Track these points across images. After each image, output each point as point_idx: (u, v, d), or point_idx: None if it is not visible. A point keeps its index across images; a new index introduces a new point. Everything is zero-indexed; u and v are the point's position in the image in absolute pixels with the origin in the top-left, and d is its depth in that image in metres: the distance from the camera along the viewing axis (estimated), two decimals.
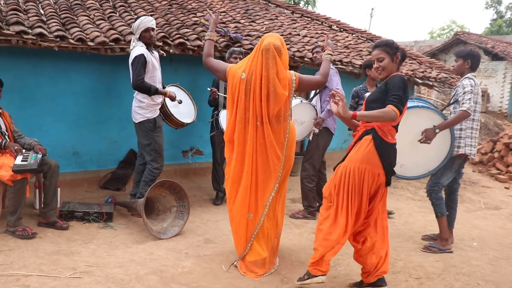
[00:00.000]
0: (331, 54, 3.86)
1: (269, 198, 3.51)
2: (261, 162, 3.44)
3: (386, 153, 3.15)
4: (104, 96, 5.57)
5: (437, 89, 9.34)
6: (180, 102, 4.92)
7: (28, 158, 4.03)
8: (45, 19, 4.93)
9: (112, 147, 5.74)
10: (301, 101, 4.83)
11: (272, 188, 3.50)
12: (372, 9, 49.80)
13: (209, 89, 5.22)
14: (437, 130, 4.02)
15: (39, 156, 4.11)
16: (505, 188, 7.92)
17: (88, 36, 4.79)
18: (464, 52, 4.34)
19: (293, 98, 4.81)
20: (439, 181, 4.33)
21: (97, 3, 5.99)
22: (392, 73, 3.23)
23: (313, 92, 5.05)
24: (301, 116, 4.84)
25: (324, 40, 4.58)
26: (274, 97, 3.34)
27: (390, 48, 3.22)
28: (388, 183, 3.24)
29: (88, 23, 5.09)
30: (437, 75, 8.54)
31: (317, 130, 4.96)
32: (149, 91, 4.41)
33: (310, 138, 5.03)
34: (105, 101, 5.58)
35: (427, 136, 4.02)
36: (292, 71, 3.51)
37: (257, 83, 3.34)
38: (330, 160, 5.55)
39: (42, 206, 4.30)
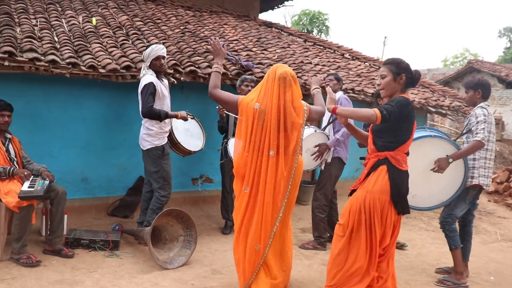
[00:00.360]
0: (318, 88, 3.89)
1: (274, 228, 3.44)
2: (269, 193, 3.37)
3: (401, 182, 3.10)
4: (114, 123, 5.59)
5: (450, 117, 9.24)
6: (192, 117, 5.02)
7: (35, 184, 4.02)
8: (58, 46, 5.00)
9: (122, 173, 5.73)
10: (315, 130, 4.77)
11: (276, 218, 3.44)
12: (385, 37, 50.03)
13: (217, 107, 5.21)
14: (450, 160, 3.92)
15: (47, 182, 4.09)
16: None
17: (99, 63, 4.84)
18: (473, 83, 4.28)
19: (307, 127, 4.80)
20: (452, 212, 4.21)
21: (110, 31, 6.08)
22: (395, 94, 3.16)
23: (326, 121, 4.99)
24: (315, 144, 4.78)
25: (335, 69, 4.53)
26: (291, 126, 3.33)
27: (396, 66, 3.14)
28: (400, 211, 3.16)
29: (101, 50, 5.15)
30: (450, 103, 8.46)
31: (329, 160, 4.87)
32: (159, 116, 4.41)
33: (322, 167, 4.95)
34: (115, 127, 5.60)
35: (440, 166, 3.93)
36: (303, 101, 3.47)
37: (274, 113, 3.31)
38: (342, 189, 5.46)
39: (48, 233, 4.27)
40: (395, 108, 2.97)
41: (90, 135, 5.45)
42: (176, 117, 4.60)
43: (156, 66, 4.48)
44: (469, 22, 76.94)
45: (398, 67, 3.13)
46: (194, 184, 6.45)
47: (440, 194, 4.10)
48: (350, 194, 3.34)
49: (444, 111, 8.35)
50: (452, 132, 15.46)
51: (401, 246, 5.28)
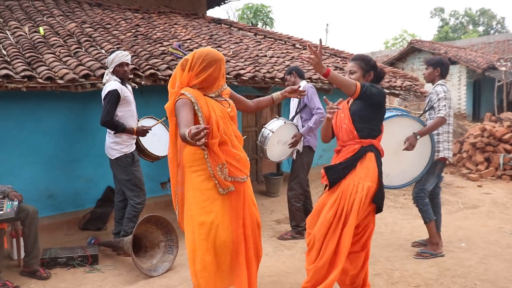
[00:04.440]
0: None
1: None
2: None
3: (381, 169, 3.16)
4: (76, 134, 5.40)
5: (401, 97, 9.57)
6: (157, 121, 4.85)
7: (3, 206, 3.83)
8: (9, 60, 4.77)
9: (89, 185, 5.55)
10: (285, 122, 4.84)
11: None
12: (327, 24, 51.18)
13: None
14: (418, 137, 4.09)
15: (15, 203, 3.90)
16: (478, 186, 8.14)
17: (56, 74, 4.66)
18: (433, 60, 4.47)
19: (276, 119, 4.85)
20: (424, 187, 4.39)
21: (61, 40, 5.85)
22: None
23: (293, 111, 5.06)
24: (285, 137, 4.85)
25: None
26: None
27: (366, 64, 3.24)
28: (378, 201, 3.17)
29: (55, 61, 4.95)
30: (402, 83, 8.77)
31: (301, 149, 4.96)
32: (116, 128, 4.32)
33: (294, 157, 5.03)
34: (77, 139, 5.41)
35: (411, 143, 4.08)
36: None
37: None
38: (309, 176, 5.50)
39: (24, 255, 4.08)
40: (374, 90, 3.06)
41: (51, 149, 5.24)
42: (132, 133, 4.45)
43: (120, 72, 4.38)
44: (404, 4, 79.85)
45: (367, 65, 3.23)
46: (163, 188, 6.36)
47: (411, 170, 4.27)
48: (330, 186, 3.20)
49: (397, 92, 8.65)
50: None
51: None
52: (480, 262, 4.27)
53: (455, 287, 3.74)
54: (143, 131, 4.53)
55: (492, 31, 38.22)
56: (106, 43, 6.02)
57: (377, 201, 3.14)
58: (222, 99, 3.11)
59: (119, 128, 4.32)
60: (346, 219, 3.05)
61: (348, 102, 3.30)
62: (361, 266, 3.31)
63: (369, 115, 3.16)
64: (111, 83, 4.31)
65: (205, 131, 2.40)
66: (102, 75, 4.68)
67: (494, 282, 3.81)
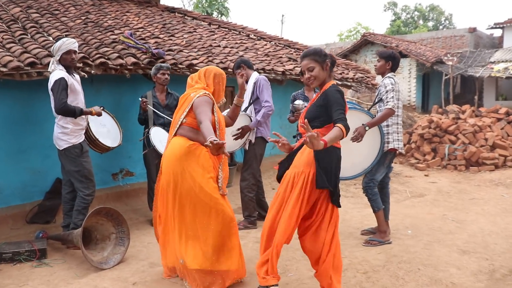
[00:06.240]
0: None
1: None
2: None
3: (327, 156, 3.13)
4: (22, 124, 5.19)
5: (354, 88, 9.79)
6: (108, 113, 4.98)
7: None
8: None
9: (36, 177, 5.36)
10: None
11: None
12: (283, 15, 51.32)
13: (140, 99, 5.12)
14: (366, 128, 4.20)
15: None
16: (425, 175, 8.49)
17: None
18: (386, 54, 4.58)
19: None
20: (373, 177, 4.53)
21: (4, 25, 5.58)
22: (325, 80, 3.26)
23: (247, 102, 5.07)
24: (237, 127, 4.85)
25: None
26: None
27: (319, 56, 3.22)
28: (321, 184, 3.11)
29: None
30: (354, 75, 8.96)
31: (253, 140, 4.99)
32: (74, 113, 4.20)
33: (246, 147, 5.05)
34: (24, 129, 5.20)
35: (359, 133, 4.18)
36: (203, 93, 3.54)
37: None
38: (261, 166, 5.55)
39: None
40: (343, 108, 3.12)
41: None
42: (91, 113, 4.38)
43: (67, 60, 4.24)
44: None
45: (321, 56, 3.22)
46: (115, 179, 6.24)
47: (362, 162, 4.39)
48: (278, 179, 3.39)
49: (349, 83, 8.83)
50: (354, 102, 16.35)
51: None
52: (425, 248, 4.46)
53: (400, 273, 3.89)
54: (100, 112, 4.47)
55: (440, 27, 39.59)
56: (54, 30, 5.79)
57: (320, 185, 3.09)
58: None
59: (77, 112, 4.21)
60: (287, 204, 3.19)
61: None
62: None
63: (323, 116, 3.21)
64: (56, 73, 4.18)
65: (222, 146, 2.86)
66: (49, 64, 4.51)
67: (436, 266, 4.00)
